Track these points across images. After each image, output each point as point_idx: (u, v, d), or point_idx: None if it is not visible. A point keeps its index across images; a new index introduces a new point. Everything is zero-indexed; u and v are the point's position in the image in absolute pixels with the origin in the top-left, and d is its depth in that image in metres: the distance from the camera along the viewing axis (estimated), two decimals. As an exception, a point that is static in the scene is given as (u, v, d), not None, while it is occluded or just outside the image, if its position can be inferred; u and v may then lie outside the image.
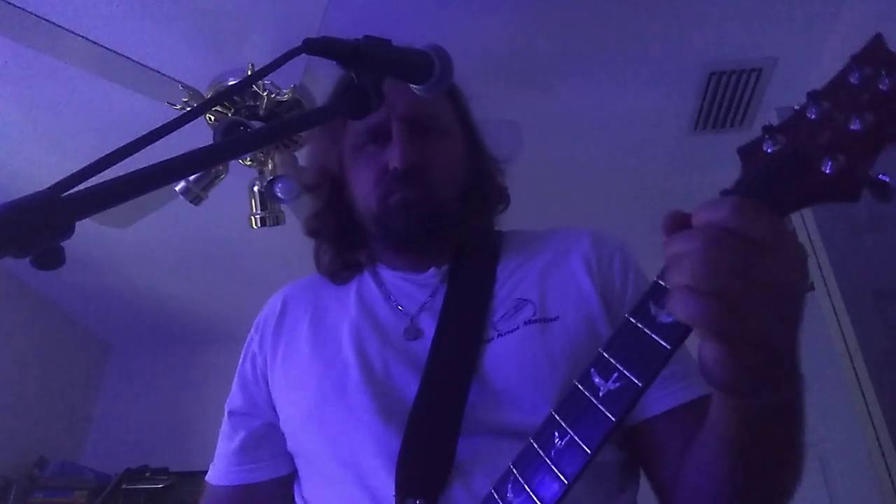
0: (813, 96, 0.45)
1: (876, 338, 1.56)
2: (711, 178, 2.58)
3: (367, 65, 0.55)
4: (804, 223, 1.76)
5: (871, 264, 1.61)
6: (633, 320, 0.46)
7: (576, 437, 0.46)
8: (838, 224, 1.65)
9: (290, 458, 0.81)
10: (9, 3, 1.42)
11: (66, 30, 1.52)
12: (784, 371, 0.45)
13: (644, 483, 0.75)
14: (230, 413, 0.85)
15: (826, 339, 1.72)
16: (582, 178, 2.72)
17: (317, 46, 0.53)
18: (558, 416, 0.48)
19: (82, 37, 1.54)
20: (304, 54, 0.52)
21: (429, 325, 0.78)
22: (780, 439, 0.52)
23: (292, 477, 0.82)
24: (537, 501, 0.47)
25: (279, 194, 1.88)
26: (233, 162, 1.97)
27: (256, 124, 1.87)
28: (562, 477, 0.46)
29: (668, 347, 0.43)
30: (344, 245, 0.90)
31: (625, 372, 0.45)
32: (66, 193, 0.38)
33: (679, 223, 0.44)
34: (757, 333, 0.41)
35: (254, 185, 2.05)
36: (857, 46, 0.45)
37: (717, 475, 0.57)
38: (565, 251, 0.83)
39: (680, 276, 0.40)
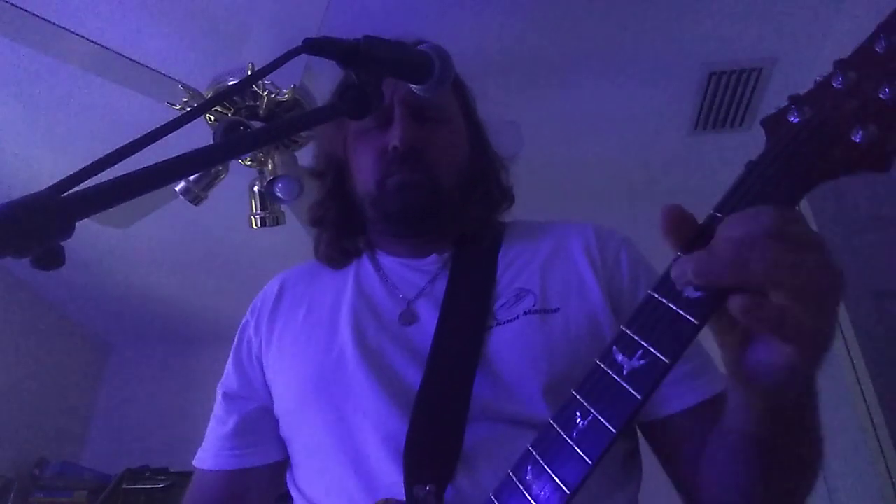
0: (839, 65, 0.44)
1: (876, 338, 1.56)
2: (711, 178, 2.60)
3: (367, 65, 0.55)
4: (804, 223, 1.76)
5: (871, 264, 1.61)
6: (657, 296, 0.45)
7: (599, 417, 0.44)
8: (838, 224, 1.65)
9: (283, 443, 0.80)
10: (9, 2, 1.42)
11: (66, 30, 1.52)
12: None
13: (645, 478, 0.75)
14: (224, 395, 0.84)
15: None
16: (582, 178, 2.72)
17: (317, 46, 0.53)
18: (579, 395, 0.46)
19: (82, 37, 1.54)
20: (304, 54, 0.52)
21: (426, 311, 0.77)
22: (803, 430, 0.52)
23: (285, 463, 0.80)
24: (559, 483, 0.45)
25: (279, 194, 1.88)
26: (233, 162, 1.97)
27: (256, 124, 1.87)
28: (585, 457, 0.44)
29: (697, 323, 0.42)
30: (343, 233, 0.89)
31: (650, 349, 0.43)
32: (66, 193, 0.38)
33: (682, 220, 0.44)
34: (825, 328, 0.41)
35: (254, 185, 2.05)
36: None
37: (736, 473, 0.56)
38: (568, 243, 0.82)
39: (754, 278, 0.39)
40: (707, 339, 0.50)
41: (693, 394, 0.69)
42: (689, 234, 0.44)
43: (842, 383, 1.68)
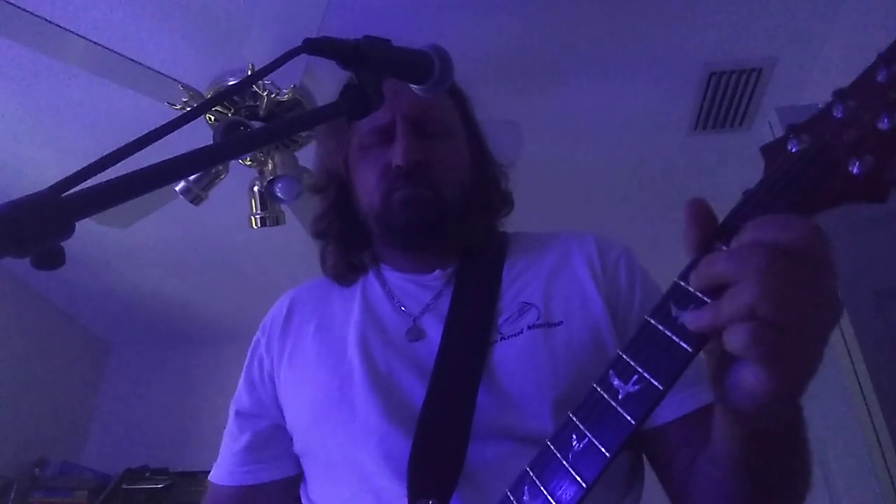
0: (839, 95, 0.44)
1: (876, 338, 1.56)
2: (711, 178, 2.61)
3: (367, 65, 0.55)
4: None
5: (871, 264, 1.61)
6: (653, 322, 0.45)
7: (594, 440, 0.45)
8: (838, 224, 1.65)
9: (295, 459, 0.81)
10: (9, 2, 1.42)
11: (66, 30, 1.52)
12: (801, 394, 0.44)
13: (647, 484, 0.75)
14: (237, 413, 0.85)
15: (826, 338, 1.72)
16: (582, 179, 2.72)
17: (317, 46, 0.52)
18: (576, 418, 0.47)
19: (82, 37, 1.54)
20: (304, 54, 0.52)
21: (431, 327, 0.78)
22: (789, 460, 0.52)
23: (298, 478, 0.82)
24: None
25: (279, 194, 1.88)
26: (233, 162, 1.97)
27: (256, 124, 1.87)
28: (580, 480, 0.45)
29: (690, 350, 0.42)
30: (349, 247, 0.90)
31: (644, 374, 0.44)
32: (66, 193, 0.38)
33: (707, 217, 0.43)
34: (812, 359, 0.40)
35: (254, 185, 2.05)
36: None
37: (724, 494, 0.56)
38: (569, 255, 0.83)
39: (747, 300, 0.38)
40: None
41: (687, 403, 0.69)
42: (710, 229, 0.44)
43: (842, 383, 1.68)
